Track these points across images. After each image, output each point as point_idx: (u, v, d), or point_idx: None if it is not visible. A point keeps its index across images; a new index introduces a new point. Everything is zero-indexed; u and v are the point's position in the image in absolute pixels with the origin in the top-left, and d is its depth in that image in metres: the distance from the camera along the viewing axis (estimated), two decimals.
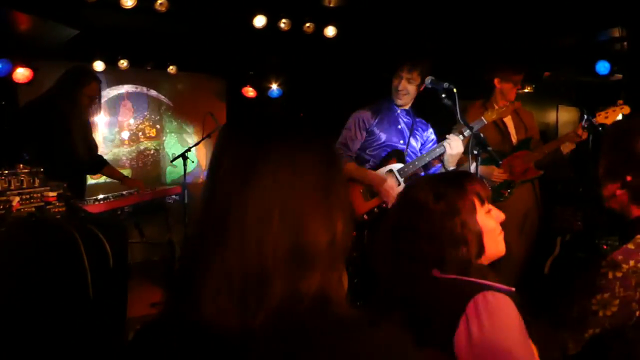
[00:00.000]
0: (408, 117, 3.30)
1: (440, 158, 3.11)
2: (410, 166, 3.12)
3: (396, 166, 3.15)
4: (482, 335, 1.13)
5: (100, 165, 3.96)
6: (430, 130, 3.38)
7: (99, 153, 4.13)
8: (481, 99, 3.78)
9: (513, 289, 1.23)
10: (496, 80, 3.67)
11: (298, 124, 0.88)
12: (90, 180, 4.84)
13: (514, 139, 3.72)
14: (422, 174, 3.21)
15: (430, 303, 1.25)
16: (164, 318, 0.82)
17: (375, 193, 3.14)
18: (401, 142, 3.24)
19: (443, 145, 3.01)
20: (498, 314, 1.16)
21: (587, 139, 3.42)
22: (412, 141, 3.28)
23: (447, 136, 3.01)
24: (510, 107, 3.31)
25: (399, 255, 1.35)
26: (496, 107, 3.39)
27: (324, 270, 0.78)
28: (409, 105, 3.29)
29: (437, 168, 3.23)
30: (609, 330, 1.40)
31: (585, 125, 3.39)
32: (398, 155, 3.20)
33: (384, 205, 3.10)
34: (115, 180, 4.29)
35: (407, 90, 3.18)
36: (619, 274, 1.39)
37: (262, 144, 0.81)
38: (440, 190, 1.35)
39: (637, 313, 1.37)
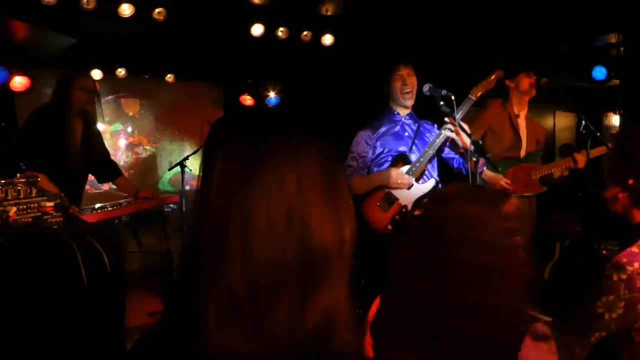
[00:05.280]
0: (412, 121, 3.23)
1: (447, 145, 3.08)
2: (417, 164, 3.06)
3: (404, 168, 3.09)
4: None
5: (113, 174, 3.79)
6: (436, 127, 3.29)
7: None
8: (500, 98, 3.70)
9: (551, 319, 1.22)
10: (507, 82, 3.62)
11: (297, 118, 0.79)
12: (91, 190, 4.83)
13: (524, 148, 3.65)
14: (431, 166, 3.18)
15: (482, 328, 1.19)
16: (164, 335, 0.75)
17: (392, 200, 3.07)
18: (412, 148, 3.17)
19: (442, 133, 2.99)
20: (549, 348, 1.16)
21: (586, 156, 3.38)
22: (419, 144, 3.20)
23: (445, 124, 3.00)
24: (494, 76, 3.15)
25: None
26: (514, 103, 3.34)
27: (332, 283, 0.71)
28: (411, 105, 3.21)
29: (448, 153, 3.20)
30: (615, 334, 1.40)
31: (584, 131, 3.38)
32: (403, 158, 3.13)
33: (403, 210, 3.04)
34: (113, 190, 4.25)
35: (412, 84, 3.12)
36: (623, 276, 1.38)
37: (261, 141, 0.73)
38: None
39: None
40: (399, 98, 3.16)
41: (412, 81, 3.13)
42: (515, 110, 3.62)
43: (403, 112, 3.22)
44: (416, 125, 3.23)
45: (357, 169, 3.18)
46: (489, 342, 1.16)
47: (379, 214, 3.07)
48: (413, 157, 3.13)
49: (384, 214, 3.07)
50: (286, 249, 0.69)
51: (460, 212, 1.23)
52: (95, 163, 3.59)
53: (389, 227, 3.03)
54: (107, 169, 3.77)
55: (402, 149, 3.16)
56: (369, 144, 3.19)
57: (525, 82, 3.57)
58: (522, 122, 3.65)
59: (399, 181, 3.01)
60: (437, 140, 3.03)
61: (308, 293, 0.69)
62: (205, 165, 0.76)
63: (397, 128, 3.21)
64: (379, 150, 3.18)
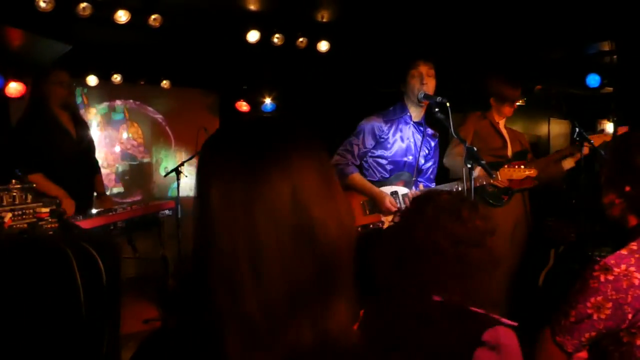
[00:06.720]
0: (420, 130, 3.12)
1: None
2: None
3: (402, 190, 3.05)
4: None
5: (94, 169, 3.78)
6: (436, 142, 3.23)
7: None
8: (479, 110, 3.82)
9: (516, 323, 1.28)
10: (491, 100, 3.76)
11: (286, 125, 0.77)
12: None
13: (509, 149, 3.76)
14: None
15: (439, 330, 1.26)
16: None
17: (374, 209, 3.04)
18: (410, 157, 3.09)
19: (455, 184, 2.96)
20: (510, 351, 1.22)
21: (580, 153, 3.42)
22: (422, 155, 3.13)
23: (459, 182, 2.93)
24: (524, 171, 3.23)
25: (406, 275, 1.36)
26: (494, 113, 3.56)
27: (347, 284, 0.72)
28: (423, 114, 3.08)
29: None
30: (605, 335, 1.43)
31: (577, 138, 3.41)
32: (407, 177, 3.08)
33: (379, 224, 3.02)
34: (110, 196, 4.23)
35: (429, 85, 2.93)
36: (610, 277, 1.41)
37: (254, 160, 0.71)
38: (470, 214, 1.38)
39: (630, 316, 1.40)
40: (413, 99, 2.99)
41: (431, 82, 2.95)
42: (496, 119, 3.78)
43: (415, 115, 3.09)
44: (422, 134, 3.12)
45: (355, 155, 3.06)
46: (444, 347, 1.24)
47: (358, 212, 3.02)
48: (408, 166, 3.11)
49: (362, 215, 3.02)
50: (301, 265, 0.68)
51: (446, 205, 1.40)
52: (89, 153, 3.63)
53: (359, 229, 2.99)
54: (93, 165, 3.78)
55: (408, 153, 3.10)
56: (376, 136, 3.06)
57: (502, 105, 3.73)
58: (503, 129, 3.81)
59: (388, 208, 2.97)
60: (448, 186, 2.99)
61: (328, 299, 0.70)
62: (200, 190, 0.74)
63: (404, 131, 3.09)
64: (387, 148, 3.07)
